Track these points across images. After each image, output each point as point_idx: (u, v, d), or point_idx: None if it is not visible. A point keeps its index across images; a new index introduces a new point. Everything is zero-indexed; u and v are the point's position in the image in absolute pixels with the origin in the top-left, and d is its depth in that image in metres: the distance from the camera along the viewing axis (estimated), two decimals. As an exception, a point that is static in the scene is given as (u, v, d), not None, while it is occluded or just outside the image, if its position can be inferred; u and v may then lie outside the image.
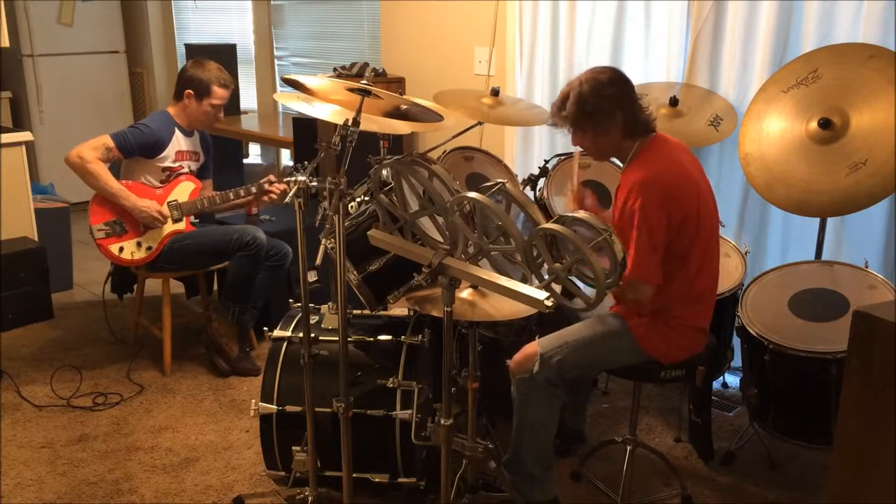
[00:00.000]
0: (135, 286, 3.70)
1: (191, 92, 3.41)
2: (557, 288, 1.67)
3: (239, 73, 5.56)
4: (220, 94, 3.44)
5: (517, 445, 2.40)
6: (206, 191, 3.59)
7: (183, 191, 3.46)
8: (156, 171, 3.42)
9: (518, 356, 2.38)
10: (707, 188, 2.34)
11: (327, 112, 2.46)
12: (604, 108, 2.23)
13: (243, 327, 3.50)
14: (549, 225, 1.60)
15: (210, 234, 3.44)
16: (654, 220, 2.17)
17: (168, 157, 3.43)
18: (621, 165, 2.34)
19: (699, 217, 2.25)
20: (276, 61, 6.07)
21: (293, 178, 2.12)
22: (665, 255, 2.23)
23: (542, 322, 2.57)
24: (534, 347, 2.35)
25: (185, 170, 3.50)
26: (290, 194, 2.12)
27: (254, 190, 3.53)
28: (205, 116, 3.48)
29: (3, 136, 4.12)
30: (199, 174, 3.60)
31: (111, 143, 3.28)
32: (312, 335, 2.28)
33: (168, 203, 3.40)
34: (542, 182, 3.11)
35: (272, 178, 3.57)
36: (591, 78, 2.26)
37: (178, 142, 3.46)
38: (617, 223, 2.25)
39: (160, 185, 3.44)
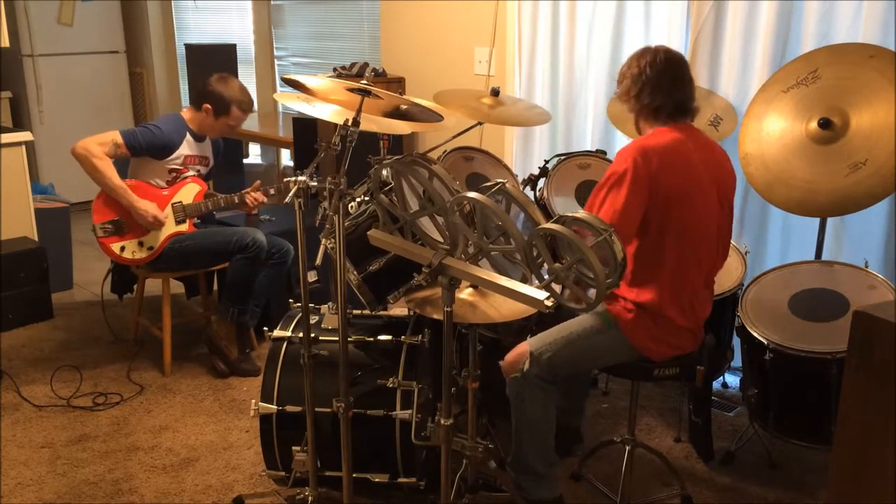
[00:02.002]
0: (135, 286, 3.70)
1: (209, 107, 3.42)
2: (557, 288, 1.67)
3: (239, 73, 5.56)
4: (237, 116, 3.47)
5: (519, 445, 2.41)
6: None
7: (188, 192, 3.46)
8: (162, 171, 3.43)
9: (509, 356, 2.40)
10: (712, 191, 2.30)
11: (327, 112, 2.46)
12: (628, 75, 2.34)
13: (243, 327, 3.50)
14: (549, 225, 1.60)
15: (210, 236, 3.44)
16: (631, 187, 2.17)
17: (177, 160, 3.43)
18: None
19: (691, 212, 2.23)
20: (276, 61, 6.07)
21: (293, 178, 2.12)
22: (646, 246, 2.24)
23: (542, 322, 2.57)
24: (524, 346, 2.36)
25: (192, 172, 3.50)
26: (290, 194, 2.12)
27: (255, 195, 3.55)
28: (219, 131, 3.53)
29: (3, 136, 4.12)
30: (205, 176, 3.61)
31: (120, 140, 3.29)
32: (312, 335, 2.29)
33: (172, 204, 3.41)
34: (542, 182, 3.11)
35: (258, 185, 3.59)
36: (642, 49, 2.36)
37: (189, 146, 3.47)
38: (595, 189, 2.27)
39: (166, 185, 3.44)
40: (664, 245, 2.25)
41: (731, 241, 3.00)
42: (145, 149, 3.34)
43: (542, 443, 2.40)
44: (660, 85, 2.30)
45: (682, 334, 2.34)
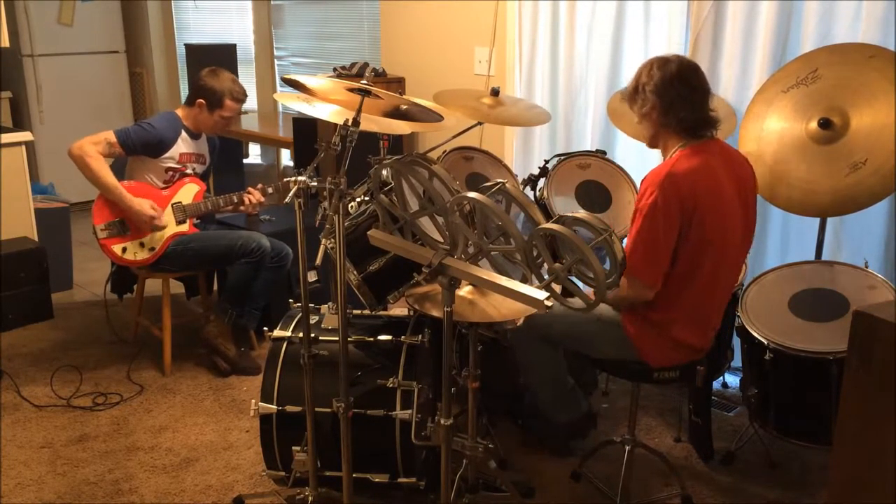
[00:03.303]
0: (135, 286, 3.70)
1: (202, 102, 3.42)
2: (557, 288, 1.67)
3: (239, 73, 5.56)
4: (231, 107, 3.45)
5: (528, 388, 2.45)
6: None
7: (187, 192, 3.46)
8: (159, 171, 3.43)
9: None
10: (739, 208, 2.26)
11: (327, 112, 2.46)
12: (646, 89, 2.24)
13: (241, 329, 3.51)
14: (549, 225, 1.60)
15: (214, 239, 3.44)
16: (663, 219, 2.14)
17: (172, 158, 3.43)
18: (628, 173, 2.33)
19: (721, 237, 2.21)
20: (276, 61, 6.07)
21: (293, 178, 2.12)
22: (676, 271, 2.22)
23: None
24: None
25: (189, 171, 3.50)
26: (290, 194, 2.12)
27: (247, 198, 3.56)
28: (214, 126, 3.50)
29: (3, 136, 4.12)
30: (203, 175, 3.61)
31: (113, 139, 3.29)
32: (312, 335, 2.28)
33: (172, 205, 3.41)
34: (542, 182, 3.11)
35: (250, 189, 3.58)
36: (657, 60, 2.26)
37: (184, 143, 3.46)
38: (632, 220, 2.24)
39: (164, 185, 3.44)
40: (696, 270, 2.22)
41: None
42: (139, 146, 3.34)
43: (551, 375, 2.43)
44: (690, 99, 2.21)
45: (688, 351, 2.34)
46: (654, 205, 2.13)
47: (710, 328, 2.36)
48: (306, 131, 4.17)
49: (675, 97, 2.21)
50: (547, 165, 3.13)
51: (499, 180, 1.75)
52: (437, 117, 2.45)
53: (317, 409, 2.31)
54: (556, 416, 2.47)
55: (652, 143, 2.35)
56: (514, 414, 2.97)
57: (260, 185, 3.60)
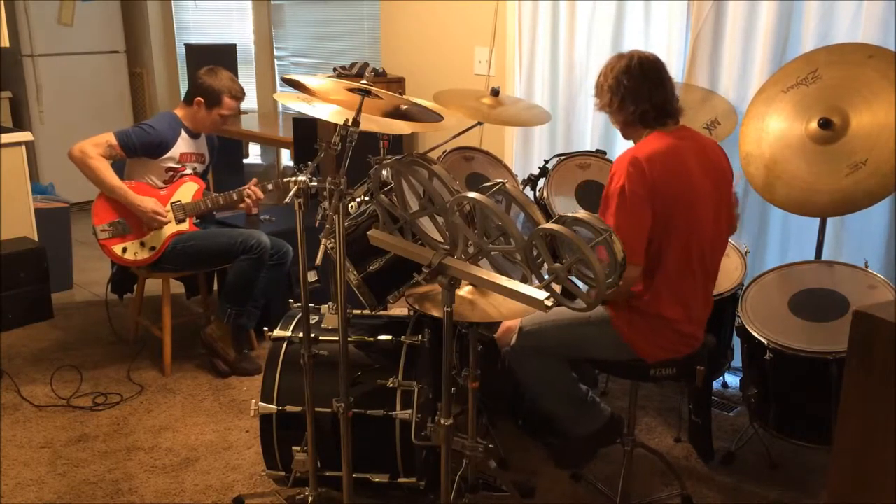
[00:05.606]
0: (135, 286, 3.70)
1: (201, 100, 3.42)
2: (557, 288, 1.67)
3: (239, 73, 5.57)
4: (230, 104, 3.46)
5: (541, 406, 2.46)
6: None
7: (186, 191, 3.46)
8: (159, 171, 3.43)
9: (502, 328, 2.46)
10: (710, 191, 2.29)
11: (327, 112, 2.46)
12: (604, 88, 2.36)
13: (240, 329, 3.50)
14: (549, 225, 1.60)
15: (214, 237, 3.44)
16: (636, 199, 2.18)
17: (172, 158, 3.43)
18: None
19: (689, 216, 2.23)
20: (276, 61, 6.07)
21: (293, 178, 2.12)
22: (648, 251, 2.24)
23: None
24: (515, 321, 2.40)
25: (189, 171, 3.50)
26: (290, 194, 2.12)
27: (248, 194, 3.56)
28: (212, 124, 3.50)
29: (3, 136, 4.12)
30: (203, 174, 3.61)
31: (114, 141, 3.29)
32: (312, 335, 2.29)
33: (172, 204, 3.40)
34: (542, 182, 3.11)
35: (255, 181, 3.58)
36: (613, 58, 2.38)
37: (184, 143, 3.46)
38: (601, 209, 2.28)
39: (164, 185, 3.44)
40: (665, 248, 2.25)
41: (732, 241, 3.01)
42: (140, 148, 3.34)
43: (561, 390, 2.43)
44: (640, 91, 2.30)
45: (678, 337, 2.33)
46: (622, 190, 2.20)
47: (696, 311, 2.35)
48: (306, 131, 4.17)
49: (626, 91, 2.30)
50: (547, 165, 3.13)
51: (499, 180, 1.75)
52: (437, 117, 2.45)
53: (317, 409, 2.31)
54: (579, 431, 2.47)
55: (625, 135, 2.43)
56: (514, 414, 2.97)
57: (255, 180, 3.59)
